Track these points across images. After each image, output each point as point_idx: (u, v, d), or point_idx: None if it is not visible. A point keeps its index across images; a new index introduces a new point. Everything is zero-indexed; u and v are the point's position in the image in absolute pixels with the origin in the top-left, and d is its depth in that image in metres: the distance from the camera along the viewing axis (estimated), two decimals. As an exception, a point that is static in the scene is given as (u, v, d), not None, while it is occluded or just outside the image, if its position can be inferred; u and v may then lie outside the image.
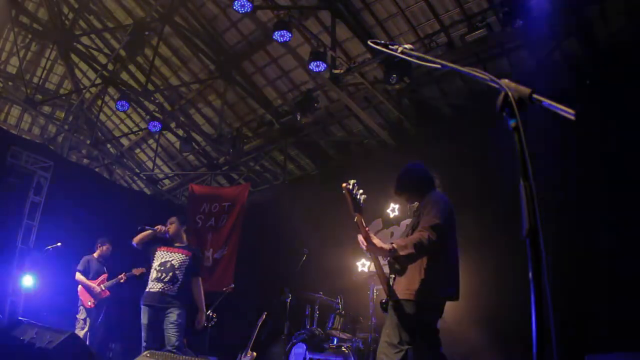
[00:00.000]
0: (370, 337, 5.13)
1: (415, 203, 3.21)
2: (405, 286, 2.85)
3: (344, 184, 2.68)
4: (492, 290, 5.47)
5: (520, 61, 6.71)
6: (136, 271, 6.63)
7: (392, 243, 2.75)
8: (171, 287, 4.70)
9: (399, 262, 2.89)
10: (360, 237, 2.78)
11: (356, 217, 2.73)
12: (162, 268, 4.76)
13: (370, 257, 3.04)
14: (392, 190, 3.30)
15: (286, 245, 7.97)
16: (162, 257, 4.85)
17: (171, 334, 4.57)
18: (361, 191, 2.72)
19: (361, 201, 2.72)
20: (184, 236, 5.13)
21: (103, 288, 6.63)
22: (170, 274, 4.72)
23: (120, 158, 11.86)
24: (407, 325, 2.77)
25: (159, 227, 4.93)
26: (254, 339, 6.25)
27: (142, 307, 4.71)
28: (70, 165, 10.41)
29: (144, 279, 6.45)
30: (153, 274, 4.80)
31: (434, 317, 2.90)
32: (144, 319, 4.66)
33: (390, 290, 2.94)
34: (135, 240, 5.00)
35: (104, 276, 6.79)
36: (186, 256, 4.89)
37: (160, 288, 4.68)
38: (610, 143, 5.34)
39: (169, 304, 4.67)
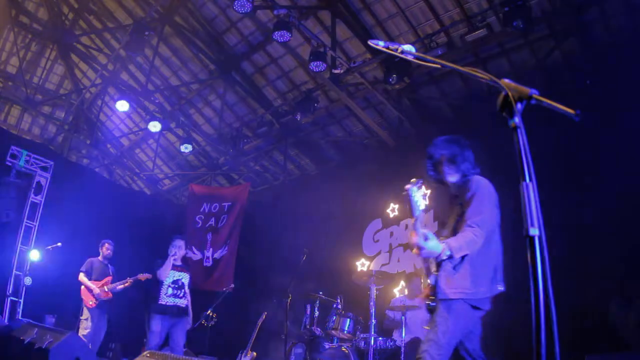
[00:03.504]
0: (371, 337, 5.11)
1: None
2: (456, 284, 2.69)
3: (407, 186, 2.53)
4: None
5: (520, 61, 6.71)
6: (142, 277, 6.65)
7: (445, 244, 2.60)
8: (184, 301, 5.83)
9: (451, 261, 2.72)
10: (412, 242, 2.58)
11: (412, 221, 2.60)
12: (176, 286, 5.78)
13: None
14: (424, 170, 3.02)
15: (286, 245, 7.96)
16: (174, 276, 5.83)
17: (180, 336, 5.70)
18: (421, 191, 2.57)
19: (419, 204, 2.59)
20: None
21: (106, 290, 6.62)
22: (183, 290, 5.82)
23: (120, 158, 11.86)
24: (455, 325, 2.64)
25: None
26: (253, 339, 6.25)
27: (155, 316, 5.51)
28: (70, 165, 10.39)
29: (145, 284, 6.59)
30: (169, 291, 5.69)
31: (480, 314, 2.76)
32: (156, 327, 5.46)
33: (436, 289, 2.76)
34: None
35: (109, 278, 6.77)
36: (188, 275, 6.01)
37: (177, 303, 5.73)
38: (609, 142, 5.33)
39: (182, 314, 5.77)
